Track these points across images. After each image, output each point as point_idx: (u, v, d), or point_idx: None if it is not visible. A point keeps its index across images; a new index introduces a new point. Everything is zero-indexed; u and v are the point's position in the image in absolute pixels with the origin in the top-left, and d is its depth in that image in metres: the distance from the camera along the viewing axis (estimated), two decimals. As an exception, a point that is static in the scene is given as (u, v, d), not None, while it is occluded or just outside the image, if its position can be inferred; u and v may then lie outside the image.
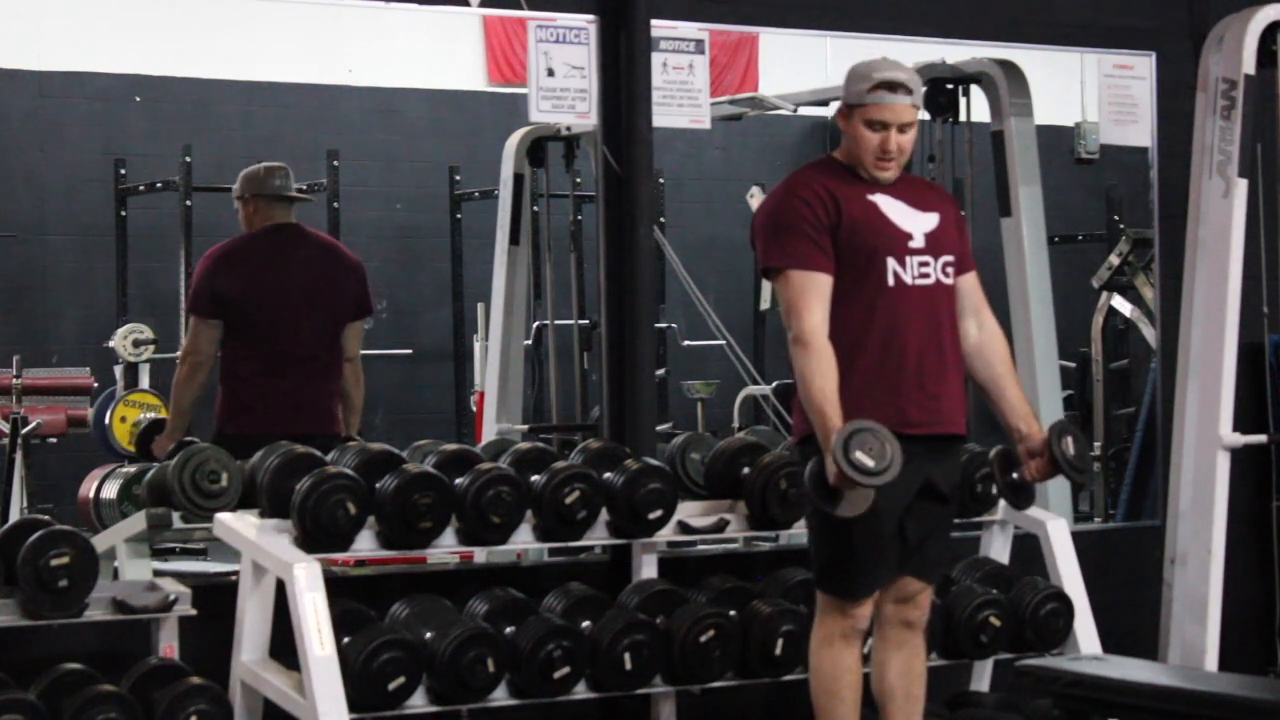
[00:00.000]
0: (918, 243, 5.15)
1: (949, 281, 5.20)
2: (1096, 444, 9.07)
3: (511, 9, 6.26)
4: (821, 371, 4.98)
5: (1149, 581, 6.82)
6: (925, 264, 5.16)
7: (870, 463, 4.81)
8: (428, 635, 5.48)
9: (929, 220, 5.20)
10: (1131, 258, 8.73)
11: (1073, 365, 9.27)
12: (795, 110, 9.38)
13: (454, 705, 5.53)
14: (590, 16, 6.32)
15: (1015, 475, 5.32)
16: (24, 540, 5.23)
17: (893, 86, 5.11)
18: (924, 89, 5.30)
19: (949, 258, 5.20)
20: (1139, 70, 7.28)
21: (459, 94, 11.36)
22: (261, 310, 6.64)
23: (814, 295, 5.05)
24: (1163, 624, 6.70)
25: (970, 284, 5.31)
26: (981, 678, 6.38)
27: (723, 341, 8.69)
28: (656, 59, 6.37)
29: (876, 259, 5.10)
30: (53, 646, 5.38)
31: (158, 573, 5.94)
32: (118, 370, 8.93)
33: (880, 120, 5.10)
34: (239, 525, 5.49)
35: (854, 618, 5.13)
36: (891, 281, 5.10)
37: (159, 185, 9.80)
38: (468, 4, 6.26)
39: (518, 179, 8.64)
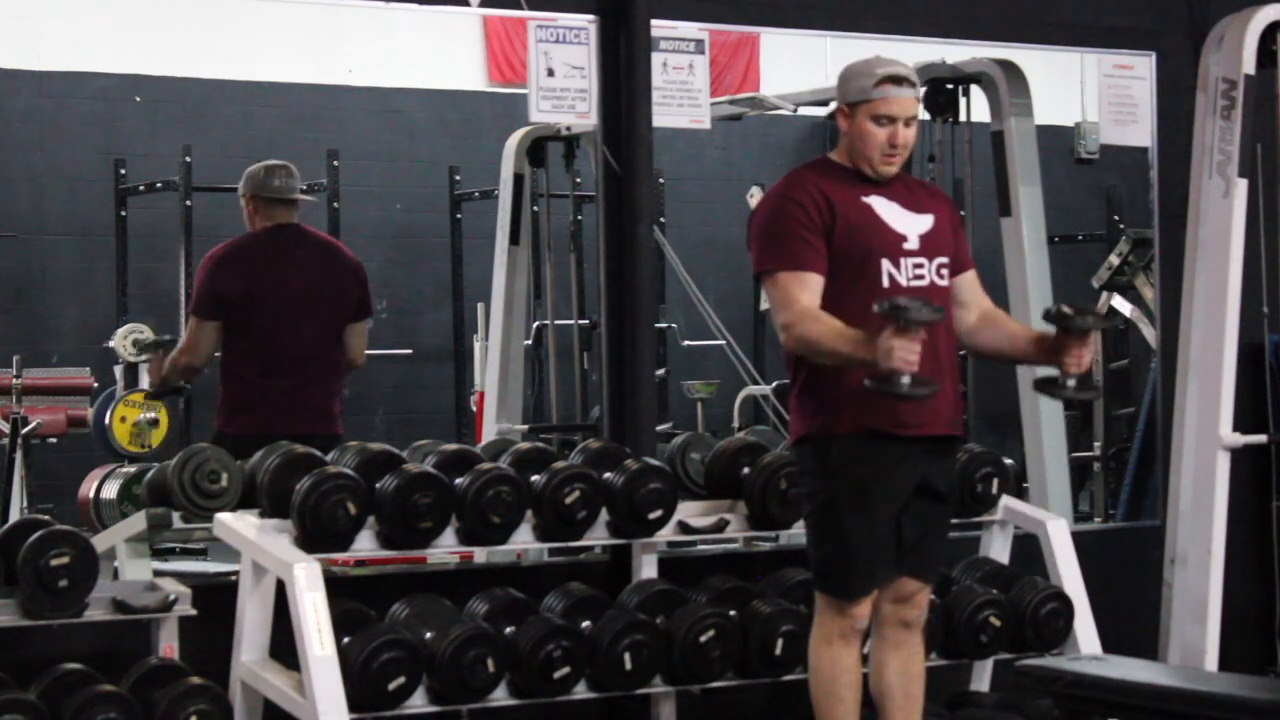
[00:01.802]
0: (912, 244, 5.15)
1: (943, 283, 5.20)
2: (1096, 444, 9.07)
3: (511, 9, 6.26)
4: (824, 321, 4.98)
5: (1149, 581, 6.82)
6: (920, 266, 5.15)
7: (920, 304, 4.83)
8: (428, 635, 5.48)
9: (924, 222, 5.20)
10: (1131, 258, 8.73)
11: (1073, 365, 9.25)
12: (795, 110, 9.38)
13: (454, 705, 5.53)
14: (590, 16, 6.32)
15: (1070, 381, 5.13)
16: (24, 540, 5.23)
17: (898, 80, 5.12)
18: (923, 88, 5.32)
19: (943, 259, 5.20)
20: (1139, 70, 7.29)
21: (459, 94, 11.36)
22: (262, 310, 6.64)
23: (802, 289, 5.04)
24: (1163, 624, 6.70)
25: (969, 281, 5.32)
26: (981, 678, 6.38)
27: (723, 341, 8.69)
28: (656, 59, 6.37)
29: (871, 261, 5.10)
30: (53, 646, 5.38)
31: (158, 573, 5.94)
32: (118, 370, 8.91)
33: (888, 114, 5.10)
34: (239, 525, 5.49)
35: (852, 617, 5.13)
36: (886, 283, 5.10)
37: (159, 185, 9.79)
38: (468, 4, 6.26)
39: (518, 179, 8.65)
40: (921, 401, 5.06)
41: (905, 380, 4.82)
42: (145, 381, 8.34)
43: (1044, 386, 5.19)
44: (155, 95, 10.54)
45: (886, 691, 5.26)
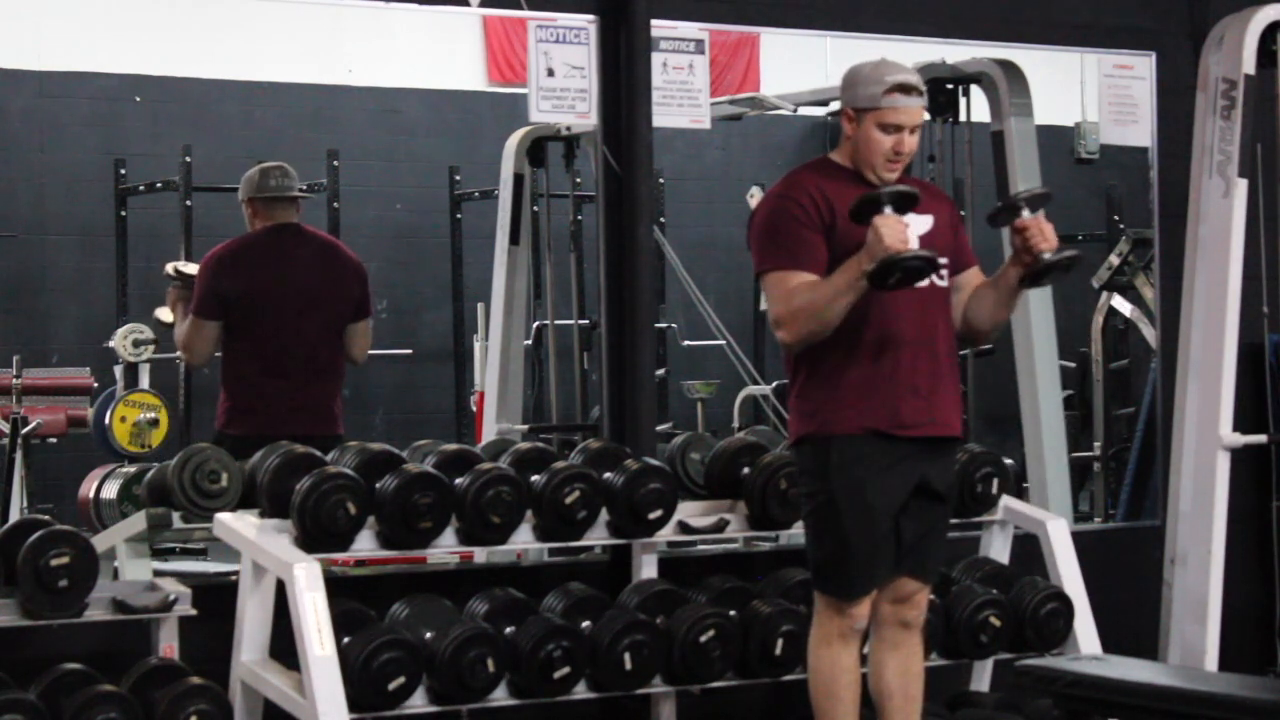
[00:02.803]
0: (911, 245, 5.14)
1: (943, 284, 5.20)
2: (1096, 444, 9.07)
3: (511, 9, 6.26)
4: (808, 286, 5.00)
5: (1149, 581, 6.82)
6: (919, 267, 5.15)
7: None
8: (428, 635, 5.48)
9: (923, 222, 5.19)
10: (1131, 258, 8.73)
11: (1073, 365, 9.27)
12: (795, 110, 9.38)
13: (454, 705, 5.53)
14: (590, 16, 6.32)
15: (1046, 254, 5.16)
16: (24, 540, 5.23)
17: (907, 89, 5.12)
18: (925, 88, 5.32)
19: (943, 260, 5.20)
20: (1139, 70, 7.29)
21: (459, 94, 11.36)
22: (262, 310, 6.64)
23: (798, 286, 5.05)
24: (1163, 624, 6.70)
25: (973, 277, 5.31)
26: (981, 678, 6.38)
27: (723, 341, 8.70)
28: (656, 59, 6.37)
29: (869, 262, 5.10)
30: (53, 646, 5.38)
31: (158, 573, 5.95)
32: (118, 370, 8.92)
33: (896, 123, 5.11)
34: (239, 525, 5.49)
35: (851, 617, 5.13)
36: (885, 284, 5.10)
37: (159, 185, 9.79)
38: (468, 4, 6.26)
39: (518, 179, 8.65)
40: (919, 402, 5.07)
41: (904, 257, 4.86)
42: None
43: (1033, 278, 5.20)
44: (155, 95, 10.55)
45: (885, 691, 5.26)
